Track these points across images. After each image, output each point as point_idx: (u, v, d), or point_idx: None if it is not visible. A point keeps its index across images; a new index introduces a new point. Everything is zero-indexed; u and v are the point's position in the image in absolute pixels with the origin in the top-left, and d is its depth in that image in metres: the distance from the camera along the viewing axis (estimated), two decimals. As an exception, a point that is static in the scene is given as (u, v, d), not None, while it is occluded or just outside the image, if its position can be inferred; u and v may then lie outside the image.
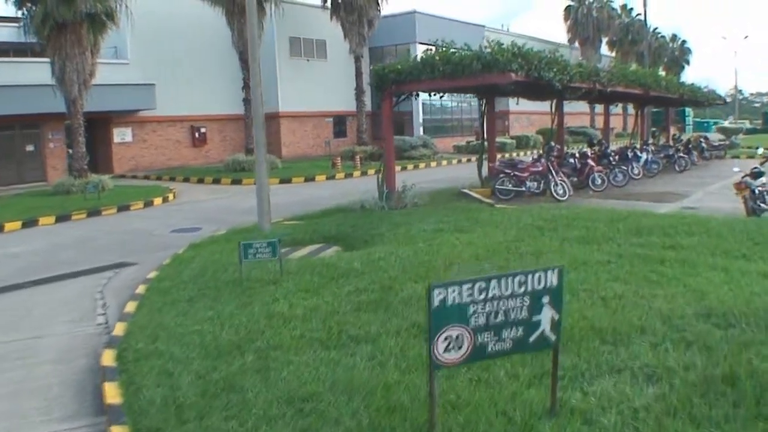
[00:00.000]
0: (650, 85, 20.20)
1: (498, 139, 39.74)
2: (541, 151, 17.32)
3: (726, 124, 79.83)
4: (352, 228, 12.02)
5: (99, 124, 30.28)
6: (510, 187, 14.93)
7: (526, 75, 13.12)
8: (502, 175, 14.97)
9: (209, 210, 18.82)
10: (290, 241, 11.86)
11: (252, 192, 22.90)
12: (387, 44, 40.04)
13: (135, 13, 31.20)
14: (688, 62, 70.52)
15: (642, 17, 58.99)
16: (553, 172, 14.78)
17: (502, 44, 13.44)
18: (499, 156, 19.54)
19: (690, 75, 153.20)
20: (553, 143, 17.81)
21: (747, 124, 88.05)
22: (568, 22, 52.76)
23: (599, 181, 16.81)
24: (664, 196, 16.07)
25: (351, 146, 34.62)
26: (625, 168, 18.03)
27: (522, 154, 39.72)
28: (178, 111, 33.04)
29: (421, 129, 39.37)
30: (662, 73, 70.84)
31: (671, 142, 27.55)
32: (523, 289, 3.61)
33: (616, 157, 18.45)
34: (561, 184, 14.77)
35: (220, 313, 6.97)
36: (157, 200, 21.07)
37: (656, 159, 21.90)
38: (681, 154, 22.96)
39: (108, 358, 6.53)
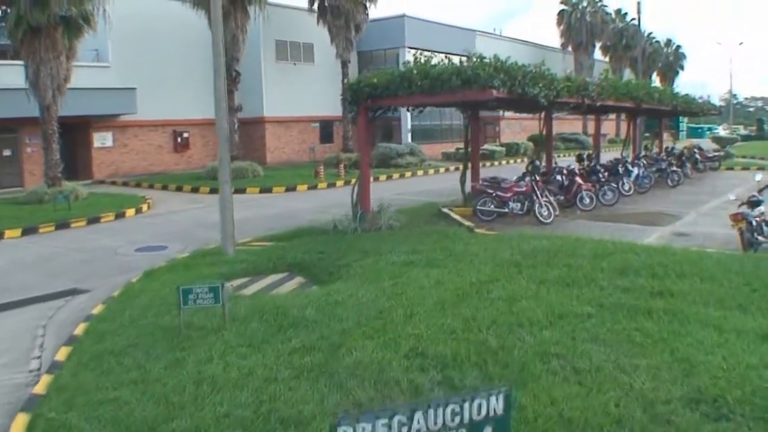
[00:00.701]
0: (642, 98, 19.43)
1: (487, 147, 39.20)
2: (528, 164, 16.48)
3: (721, 132, 79.35)
4: (319, 255, 11.22)
5: (79, 128, 29.42)
6: (492, 208, 14.13)
7: (509, 91, 12.32)
8: (484, 195, 14.16)
9: (181, 223, 17.99)
10: (252, 269, 11.06)
11: (238, 204, 22.08)
12: (376, 48, 39.25)
13: (116, 15, 30.28)
14: (682, 67, 69.96)
15: (636, 22, 58.47)
16: (538, 192, 13.98)
17: (485, 58, 12.63)
18: (487, 164, 18.71)
19: (685, 79, 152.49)
20: (537, 161, 17.01)
21: (741, 130, 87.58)
22: (561, 27, 52.02)
23: (587, 201, 16.03)
24: (654, 217, 15.30)
25: (336, 153, 33.79)
26: (615, 186, 17.24)
27: (512, 162, 39.02)
28: (160, 115, 32.16)
29: (410, 135, 38.54)
30: (656, 78, 70.69)
31: (664, 154, 26.83)
32: (457, 421, 2.78)
33: (606, 174, 17.66)
34: (546, 205, 13.98)
35: (147, 374, 6.14)
36: (130, 211, 20.20)
37: (648, 174, 21.13)
38: (674, 168, 22.20)
39: (19, 426, 5.72)
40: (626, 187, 19.24)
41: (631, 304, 7.09)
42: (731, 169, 30.21)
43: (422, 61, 12.67)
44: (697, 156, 28.19)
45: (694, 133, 78.95)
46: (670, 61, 67.88)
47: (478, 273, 8.61)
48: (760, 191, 10.82)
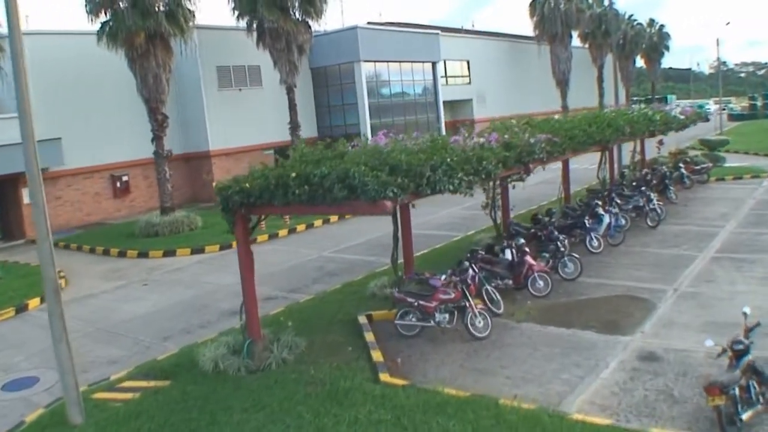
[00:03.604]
0: (610, 138, 16.67)
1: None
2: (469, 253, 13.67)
3: (711, 108, 76.15)
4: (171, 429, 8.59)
5: (7, 185, 26.98)
6: (414, 321, 11.37)
7: (415, 193, 9.54)
8: (404, 305, 11.40)
9: (82, 324, 15.27)
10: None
11: (159, 277, 19.72)
12: (331, 63, 36.31)
13: (35, 60, 27.59)
14: (668, 48, 66.83)
15: (615, 6, 55.35)
16: (470, 299, 11.19)
17: (383, 149, 9.85)
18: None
19: (675, 44, 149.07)
20: (476, 249, 14.15)
21: (733, 104, 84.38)
22: (535, 19, 48.87)
23: (541, 284, 13.26)
24: (621, 306, 12.51)
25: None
26: (576, 257, 14.42)
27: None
28: (95, 160, 29.49)
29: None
30: (640, 60, 67.54)
31: (647, 171, 24.05)
32: None
33: (565, 241, 14.84)
34: (480, 314, 11.20)
35: None
36: (34, 302, 17.54)
37: (623, 216, 18.34)
38: (653, 204, 19.34)
39: None
40: (594, 244, 16.51)
41: None
42: (722, 179, 27.39)
43: (303, 162, 9.83)
44: (683, 171, 25.48)
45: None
46: (654, 42, 64.71)
47: None
48: (748, 331, 8.00)
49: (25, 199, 27.68)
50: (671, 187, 22.82)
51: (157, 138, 25.01)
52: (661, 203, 20.07)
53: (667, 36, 66.52)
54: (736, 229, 18.49)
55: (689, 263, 15.12)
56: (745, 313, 8.14)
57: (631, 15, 60.54)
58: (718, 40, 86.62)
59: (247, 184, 10.07)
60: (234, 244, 22.02)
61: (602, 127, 16.36)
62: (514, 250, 13.57)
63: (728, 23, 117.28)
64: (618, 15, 55.89)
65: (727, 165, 30.90)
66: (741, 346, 7.73)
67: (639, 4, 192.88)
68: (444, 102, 43.26)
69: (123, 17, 22.99)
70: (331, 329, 12.21)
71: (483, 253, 14.03)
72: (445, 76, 45.08)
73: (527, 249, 13.42)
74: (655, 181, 22.33)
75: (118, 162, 30.25)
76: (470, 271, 12.19)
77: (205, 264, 20.63)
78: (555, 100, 51.89)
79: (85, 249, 24.43)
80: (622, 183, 22.00)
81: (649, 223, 19.05)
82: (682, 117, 23.73)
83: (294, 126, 30.63)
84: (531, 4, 48.96)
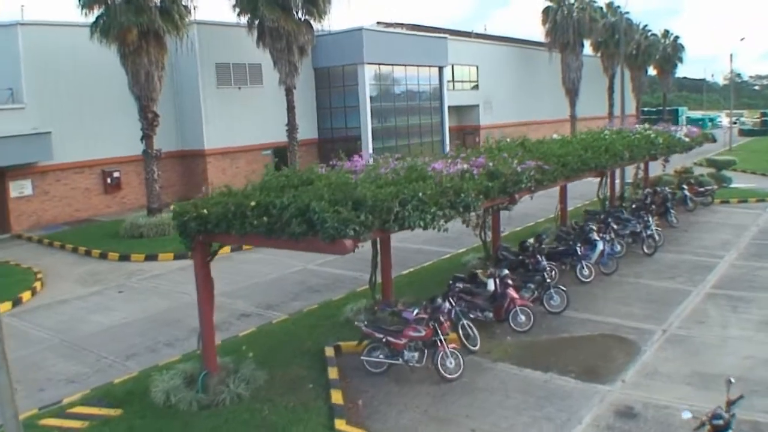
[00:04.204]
0: (606, 164, 15.93)
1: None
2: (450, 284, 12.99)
3: (723, 121, 74.93)
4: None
5: (-7, 179, 26.38)
6: (381, 358, 10.70)
7: (381, 230, 8.87)
8: (372, 340, 10.73)
9: (46, 335, 14.75)
10: None
11: (136, 283, 19.07)
12: (334, 64, 35.66)
13: (28, 51, 27.10)
14: (681, 60, 65.56)
15: (629, 16, 54.35)
16: (441, 338, 10.52)
17: (349, 180, 9.18)
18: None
19: (690, 54, 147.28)
20: (459, 276, 13.48)
21: (744, 118, 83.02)
22: (547, 26, 47.94)
23: (523, 318, 12.57)
24: (605, 348, 11.80)
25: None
26: (563, 290, 13.72)
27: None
28: (86, 155, 28.91)
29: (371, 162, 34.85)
30: (653, 70, 66.37)
31: (648, 191, 23.31)
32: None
33: (552, 272, 14.14)
34: (452, 354, 10.52)
35: None
36: (5, 306, 17.01)
37: (619, 242, 17.61)
38: (650, 231, 18.58)
39: None
40: (585, 273, 15.79)
41: None
42: (726, 202, 26.55)
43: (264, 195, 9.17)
44: (686, 193, 24.68)
45: (695, 124, 74.70)
46: (668, 53, 63.51)
47: None
48: (730, 404, 7.27)
49: (13, 193, 27.25)
50: (672, 210, 22.05)
51: (146, 137, 24.41)
52: (659, 229, 19.32)
53: (681, 48, 65.32)
54: (736, 260, 17.72)
55: (682, 299, 14.37)
56: (729, 381, 7.42)
57: (645, 25, 59.46)
58: (731, 55, 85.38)
59: (206, 210, 9.41)
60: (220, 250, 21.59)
61: (599, 153, 15.58)
62: (497, 281, 12.86)
63: (743, 39, 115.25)
64: (632, 25, 54.85)
65: (733, 186, 30.05)
66: (721, 422, 7.02)
67: (656, 13, 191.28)
68: (450, 107, 42.53)
69: (115, 13, 22.39)
70: (295, 360, 11.56)
71: (464, 283, 13.33)
72: (452, 80, 44.31)
73: (510, 281, 12.70)
74: (655, 206, 21.54)
75: (110, 158, 29.69)
76: (446, 305, 11.50)
77: (185, 272, 19.90)
78: (564, 108, 51.04)
79: (68, 248, 23.88)
80: (622, 205, 21.22)
81: (646, 250, 18.30)
82: (686, 139, 22.87)
83: (292, 128, 30.02)
84: (544, 11, 48.05)
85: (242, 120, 32.52)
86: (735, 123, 66.90)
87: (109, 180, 29.90)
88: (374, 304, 13.20)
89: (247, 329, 14.08)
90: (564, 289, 13.67)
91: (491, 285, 12.84)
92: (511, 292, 12.53)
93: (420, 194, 9.02)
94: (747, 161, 40.34)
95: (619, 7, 49.74)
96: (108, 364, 12.93)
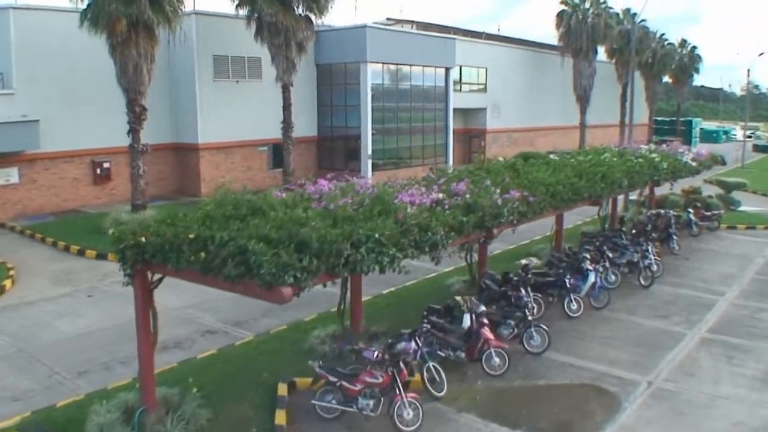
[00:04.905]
0: (602, 193, 14.94)
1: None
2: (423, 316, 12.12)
3: (738, 135, 73.18)
4: None
5: (-24, 166, 25.71)
6: (334, 403, 9.81)
7: (329, 273, 7.96)
8: (326, 382, 9.85)
9: (6, 343, 14.03)
10: None
11: (108, 287, 18.14)
12: (336, 61, 34.70)
13: (18, 36, 26.29)
14: (697, 70, 64.03)
15: (645, 23, 53.01)
16: (399, 386, 9.60)
17: (299, 217, 8.27)
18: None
19: (706, 65, 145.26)
20: (433, 308, 12.56)
21: (761, 133, 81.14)
22: (561, 30, 46.71)
23: (497, 361, 11.64)
24: (582, 402, 10.87)
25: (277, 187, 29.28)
26: (544, 329, 12.77)
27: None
28: (76, 144, 28.14)
29: (370, 163, 34.00)
30: (668, 79, 64.87)
31: (653, 213, 22.30)
32: None
33: (534, 309, 13.21)
34: (411, 405, 9.61)
35: None
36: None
37: (610, 277, 16.66)
38: (648, 260, 17.57)
39: None
40: (573, 307, 14.84)
41: None
42: (733, 228, 25.44)
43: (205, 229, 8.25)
44: (692, 217, 23.62)
45: (708, 136, 73.22)
46: (685, 63, 62.03)
47: None
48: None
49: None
50: (675, 237, 21.00)
51: (133, 131, 23.62)
52: (659, 259, 18.33)
53: (698, 58, 63.77)
54: (737, 299, 16.70)
55: (674, 344, 13.39)
56: None
57: (663, 34, 57.97)
58: (749, 70, 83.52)
59: (143, 239, 8.54)
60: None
61: (594, 181, 14.56)
62: (473, 316, 11.93)
63: (761, 54, 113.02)
64: (648, 33, 53.47)
65: (741, 209, 28.95)
66: None
67: (674, 20, 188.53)
68: (456, 110, 41.52)
69: (104, 2, 21.51)
70: (247, 395, 10.71)
71: (438, 315, 12.44)
72: (460, 82, 43.22)
73: (486, 320, 11.77)
74: (658, 231, 20.50)
75: (101, 148, 28.89)
76: (411, 345, 10.58)
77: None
78: (574, 115, 49.90)
79: (48, 241, 23.24)
80: (621, 229, 20.17)
81: (642, 281, 17.31)
82: (693, 164, 21.76)
83: (287, 126, 29.14)
84: (558, 15, 46.86)
85: (239, 115, 31.65)
86: (750, 137, 65.33)
87: (98, 170, 29.16)
88: (342, 332, 12.37)
89: (209, 350, 13.29)
90: (546, 328, 12.72)
91: (467, 321, 11.91)
92: (486, 332, 11.60)
93: (376, 235, 8.08)
94: (758, 180, 39.14)
95: (635, 14, 48.36)
96: (59, 381, 12.21)
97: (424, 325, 11.66)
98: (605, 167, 15.56)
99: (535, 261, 20.12)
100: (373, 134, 33.90)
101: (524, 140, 48.70)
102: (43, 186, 27.69)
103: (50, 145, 26.89)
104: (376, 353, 10.00)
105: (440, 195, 10.63)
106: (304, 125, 34.79)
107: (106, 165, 29.30)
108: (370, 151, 33.54)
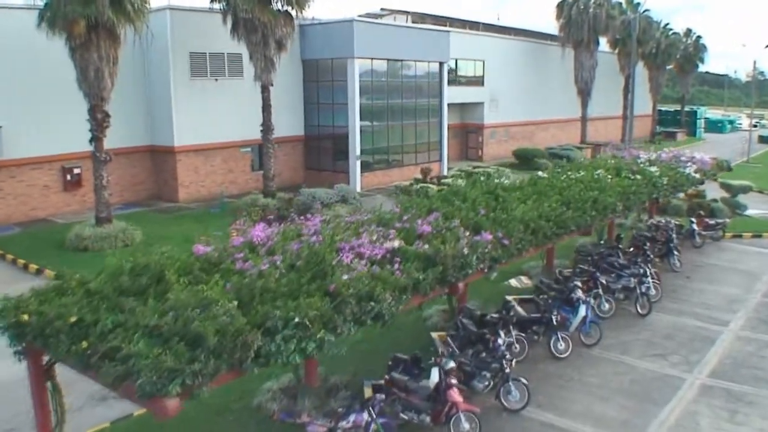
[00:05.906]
0: (592, 222, 13.41)
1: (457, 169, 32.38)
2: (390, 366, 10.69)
3: (743, 124, 71.05)
4: None
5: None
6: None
7: (234, 371, 6.46)
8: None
9: None
10: None
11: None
12: (323, 57, 33.01)
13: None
14: (702, 60, 61.98)
15: (648, 13, 51.07)
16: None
17: (207, 299, 6.76)
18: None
19: (712, 51, 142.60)
20: (400, 358, 11.05)
21: (766, 122, 78.98)
22: (561, 20, 44.86)
23: (466, 427, 10.14)
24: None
25: (256, 194, 27.81)
26: (525, 384, 11.27)
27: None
28: (44, 150, 26.66)
29: (358, 164, 32.40)
30: (673, 68, 62.90)
31: (653, 222, 20.76)
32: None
33: (513, 361, 11.68)
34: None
35: None
36: None
37: (603, 305, 15.17)
38: (646, 286, 16.01)
39: None
40: (561, 347, 13.34)
41: None
42: (739, 236, 23.84)
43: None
44: (694, 227, 22.07)
45: (713, 126, 71.12)
46: (690, 53, 59.97)
47: None
48: None
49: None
50: (676, 252, 19.46)
51: (96, 139, 22.08)
52: (657, 282, 16.80)
53: (703, 48, 61.72)
54: (743, 330, 15.17)
55: (671, 395, 11.88)
56: None
57: (667, 24, 55.90)
58: (755, 62, 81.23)
59: (26, 317, 7.07)
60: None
61: (583, 209, 12.97)
62: (442, 373, 10.45)
63: (767, 46, 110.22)
64: (651, 23, 51.51)
65: (747, 213, 27.36)
66: None
67: (678, 8, 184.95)
68: (453, 104, 39.90)
69: (61, 2, 19.91)
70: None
71: (405, 366, 10.98)
72: (456, 75, 41.48)
73: (454, 380, 10.27)
74: (656, 248, 18.99)
75: (71, 153, 27.36)
76: (363, 416, 9.12)
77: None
78: (575, 107, 48.20)
79: (8, 258, 21.78)
80: (618, 245, 18.61)
81: (639, 310, 15.77)
82: (696, 176, 20.13)
83: (266, 128, 27.60)
84: (558, 5, 45.03)
85: (219, 115, 30.08)
86: (755, 126, 63.31)
87: (69, 177, 27.72)
88: (298, 382, 10.96)
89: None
90: (526, 382, 11.23)
91: (435, 376, 10.45)
92: (454, 394, 10.10)
93: (297, 318, 6.57)
94: (765, 177, 37.47)
95: (638, 4, 46.40)
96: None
97: (383, 385, 10.18)
98: (597, 192, 13.93)
99: (524, 281, 18.71)
100: (363, 129, 32.32)
101: (523, 135, 46.99)
102: (9, 195, 26.24)
103: (15, 152, 25.42)
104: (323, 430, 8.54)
105: (396, 243, 9.10)
106: (291, 124, 33.26)
107: (76, 171, 27.86)
108: (358, 152, 31.92)
